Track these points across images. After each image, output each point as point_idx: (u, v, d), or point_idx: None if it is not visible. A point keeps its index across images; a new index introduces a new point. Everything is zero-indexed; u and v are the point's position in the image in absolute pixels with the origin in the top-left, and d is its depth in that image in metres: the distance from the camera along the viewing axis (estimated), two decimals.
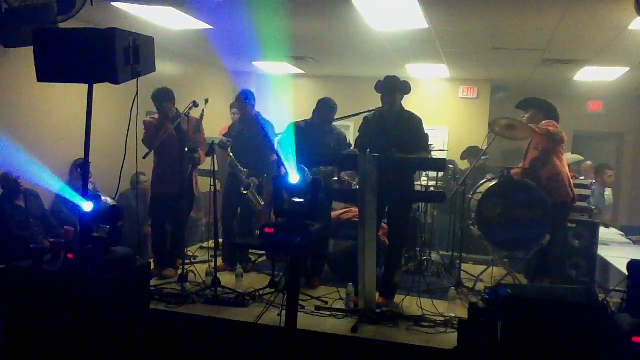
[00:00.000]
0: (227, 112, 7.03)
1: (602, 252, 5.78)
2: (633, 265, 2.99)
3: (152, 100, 5.30)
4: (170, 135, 5.08)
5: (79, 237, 3.69)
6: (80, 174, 4.09)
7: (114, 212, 3.52)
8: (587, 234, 5.50)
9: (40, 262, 3.51)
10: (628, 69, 7.65)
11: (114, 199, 4.45)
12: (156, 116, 5.34)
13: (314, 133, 5.09)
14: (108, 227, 3.49)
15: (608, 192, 7.78)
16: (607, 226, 7.03)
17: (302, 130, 5.07)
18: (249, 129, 5.64)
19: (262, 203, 5.44)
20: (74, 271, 3.33)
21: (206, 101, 5.13)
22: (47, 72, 3.52)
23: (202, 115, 5.21)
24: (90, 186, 4.80)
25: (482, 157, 6.51)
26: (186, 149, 5.06)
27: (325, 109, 5.17)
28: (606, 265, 5.67)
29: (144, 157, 4.88)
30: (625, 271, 3.30)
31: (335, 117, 5.19)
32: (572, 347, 2.84)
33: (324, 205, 5.07)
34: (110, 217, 3.47)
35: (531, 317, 2.92)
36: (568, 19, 5.45)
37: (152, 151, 5.05)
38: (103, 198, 3.69)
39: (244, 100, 5.66)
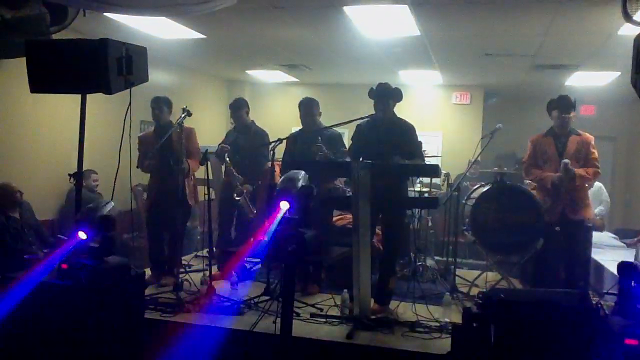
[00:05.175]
0: (221, 121, 7.07)
1: (596, 255, 5.81)
2: (623, 266, 3.01)
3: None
4: (163, 146, 5.09)
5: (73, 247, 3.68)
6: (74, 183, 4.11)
7: (105, 221, 3.52)
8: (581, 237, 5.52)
9: (35, 272, 3.50)
10: (619, 73, 7.69)
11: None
12: (150, 130, 5.38)
13: (306, 139, 5.11)
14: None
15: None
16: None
17: (295, 140, 5.09)
18: (243, 137, 5.68)
19: (255, 211, 5.46)
20: (68, 281, 3.33)
21: (188, 113, 5.09)
22: (40, 82, 3.54)
23: (181, 124, 5.12)
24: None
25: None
26: (171, 162, 5.08)
27: (305, 105, 5.21)
28: (600, 268, 5.69)
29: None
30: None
31: (329, 125, 5.21)
32: (565, 350, 2.85)
33: (324, 213, 5.08)
34: (102, 226, 3.47)
35: (524, 320, 2.93)
36: (557, 25, 5.50)
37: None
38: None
39: (237, 109, 5.70)
